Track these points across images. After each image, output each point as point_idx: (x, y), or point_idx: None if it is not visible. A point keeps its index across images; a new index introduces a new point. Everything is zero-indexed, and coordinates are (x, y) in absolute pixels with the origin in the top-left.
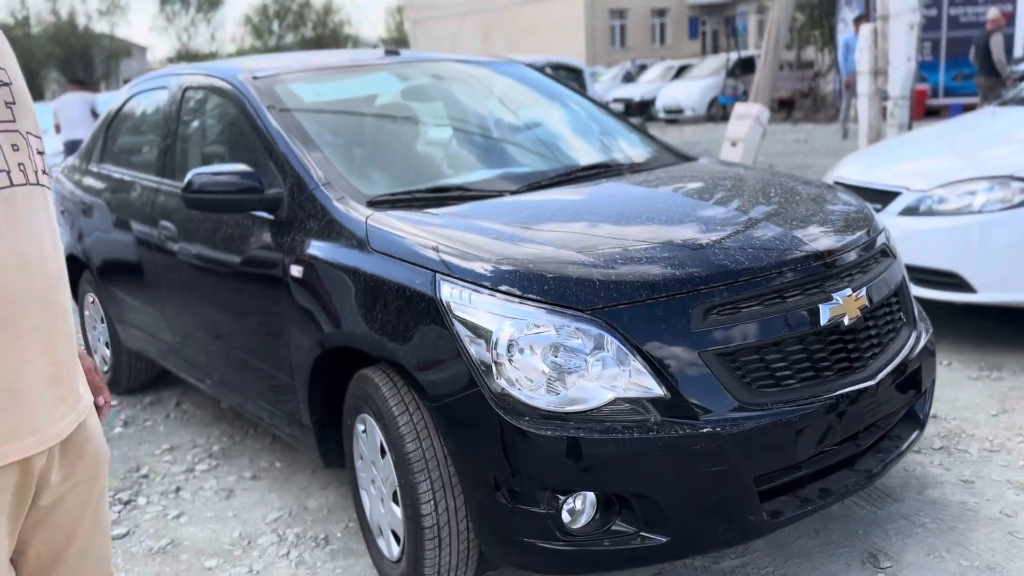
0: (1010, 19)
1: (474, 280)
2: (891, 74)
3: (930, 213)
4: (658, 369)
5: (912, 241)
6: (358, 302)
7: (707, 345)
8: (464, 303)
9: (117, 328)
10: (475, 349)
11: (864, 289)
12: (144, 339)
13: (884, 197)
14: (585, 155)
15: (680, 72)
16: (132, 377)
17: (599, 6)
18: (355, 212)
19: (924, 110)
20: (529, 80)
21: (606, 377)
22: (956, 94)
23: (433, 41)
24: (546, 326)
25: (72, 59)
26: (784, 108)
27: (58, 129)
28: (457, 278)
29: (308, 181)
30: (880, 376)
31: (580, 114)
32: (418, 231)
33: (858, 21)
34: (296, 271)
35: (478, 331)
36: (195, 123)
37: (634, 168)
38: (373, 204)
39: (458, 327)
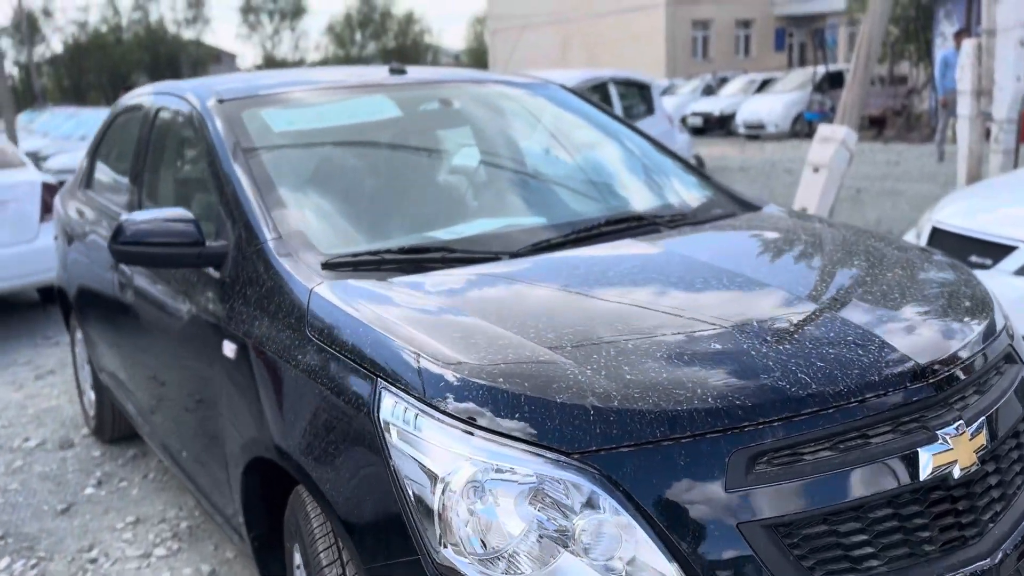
0: None
1: (424, 395)
2: (996, 95)
3: None
4: (675, 545)
5: None
6: (285, 403)
7: (750, 512)
8: (408, 427)
9: (97, 372)
10: (417, 496)
11: (983, 420)
12: (113, 386)
13: (994, 250)
14: (616, 203)
15: (763, 86)
16: (116, 426)
17: (681, 17)
18: (302, 277)
19: None
20: (561, 105)
21: (599, 553)
22: None
23: (511, 52)
24: (515, 473)
25: (159, 65)
26: (875, 126)
27: None
28: (404, 390)
29: (258, 233)
30: (1004, 551)
31: (621, 149)
32: (367, 310)
33: (959, 36)
34: (229, 350)
35: (424, 470)
36: (163, 151)
37: (676, 221)
38: (330, 267)
39: (397, 462)
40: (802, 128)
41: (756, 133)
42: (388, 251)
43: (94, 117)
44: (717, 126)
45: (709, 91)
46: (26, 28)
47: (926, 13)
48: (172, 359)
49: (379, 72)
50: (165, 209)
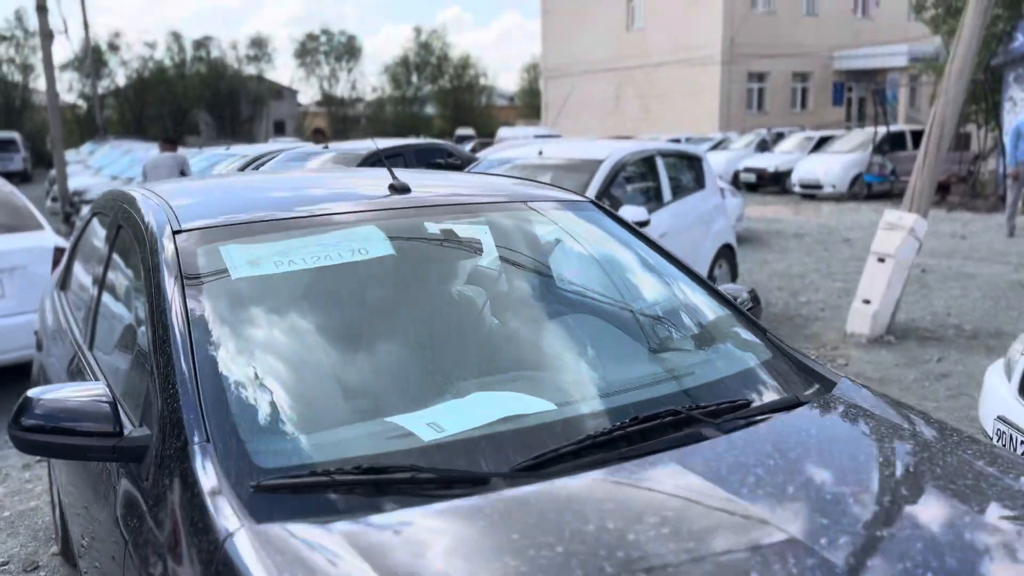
0: None
1: None
2: None
3: None
4: None
5: None
6: None
7: None
8: None
9: (54, 484)
10: None
11: None
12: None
13: None
14: (652, 377)
15: (821, 143)
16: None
17: (737, 68)
18: (219, 513)
19: None
20: (594, 234)
21: None
22: None
23: (564, 101)
24: None
25: (220, 100)
26: (938, 192)
27: None
28: None
29: (185, 428)
30: None
31: (662, 294)
32: None
33: None
34: None
35: None
36: (117, 285)
37: (724, 412)
38: (263, 490)
39: None
40: (861, 190)
41: (812, 193)
42: (341, 470)
43: (146, 156)
44: (771, 183)
45: (764, 146)
46: (92, 61)
47: (995, 75)
48: (93, 513)
49: (376, 184)
50: (81, 384)
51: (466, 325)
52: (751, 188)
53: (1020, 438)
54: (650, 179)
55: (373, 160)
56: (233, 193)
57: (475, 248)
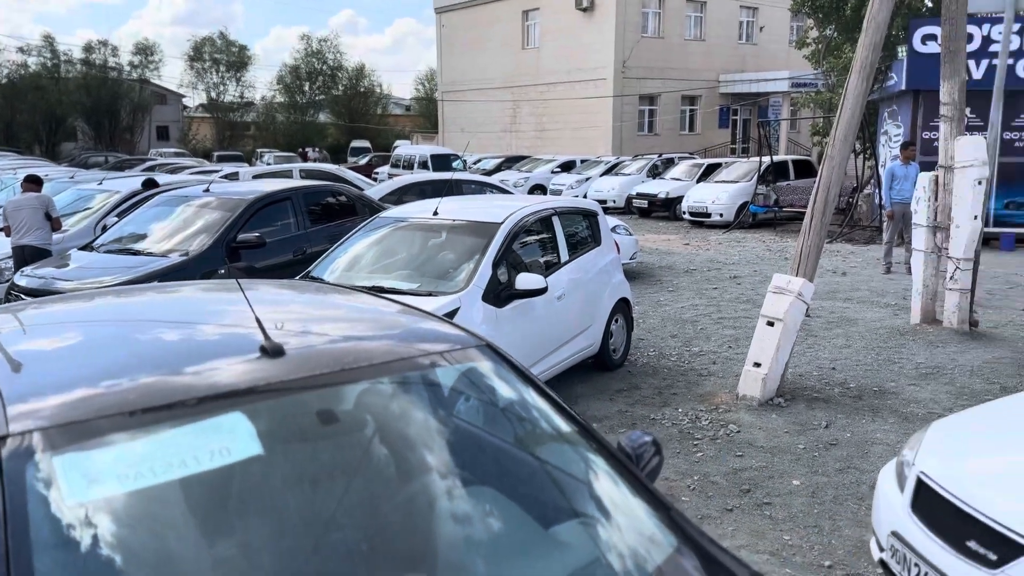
0: None
1: None
2: (954, 233)
3: None
4: None
5: None
6: None
7: None
8: None
9: None
10: None
11: None
12: None
13: (1000, 544)
14: None
15: (709, 172)
16: None
17: (629, 91)
18: None
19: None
20: (490, 388)
21: None
22: (1008, 223)
23: (462, 114)
24: None
25: (99, 106)
26: None
27: (7, 232)
28: None
29: None
30: None
31: (565, 471)
32: None
33: (906, 149)
34: None
35: None
36: None
37: None
38: None
39: None
40: (746, 218)
41: (701, 220)
42: None
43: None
44: (662, 208)
45: (655, 172)
46: None
47: (872, 109)
48: None
49: (244, 339)
50: None
51: (354, 532)
52: (643, 213)
53: (915, 560)
54: (548, 239)
55: (265, 202)
56: (70, 355)
57: (361, 429)
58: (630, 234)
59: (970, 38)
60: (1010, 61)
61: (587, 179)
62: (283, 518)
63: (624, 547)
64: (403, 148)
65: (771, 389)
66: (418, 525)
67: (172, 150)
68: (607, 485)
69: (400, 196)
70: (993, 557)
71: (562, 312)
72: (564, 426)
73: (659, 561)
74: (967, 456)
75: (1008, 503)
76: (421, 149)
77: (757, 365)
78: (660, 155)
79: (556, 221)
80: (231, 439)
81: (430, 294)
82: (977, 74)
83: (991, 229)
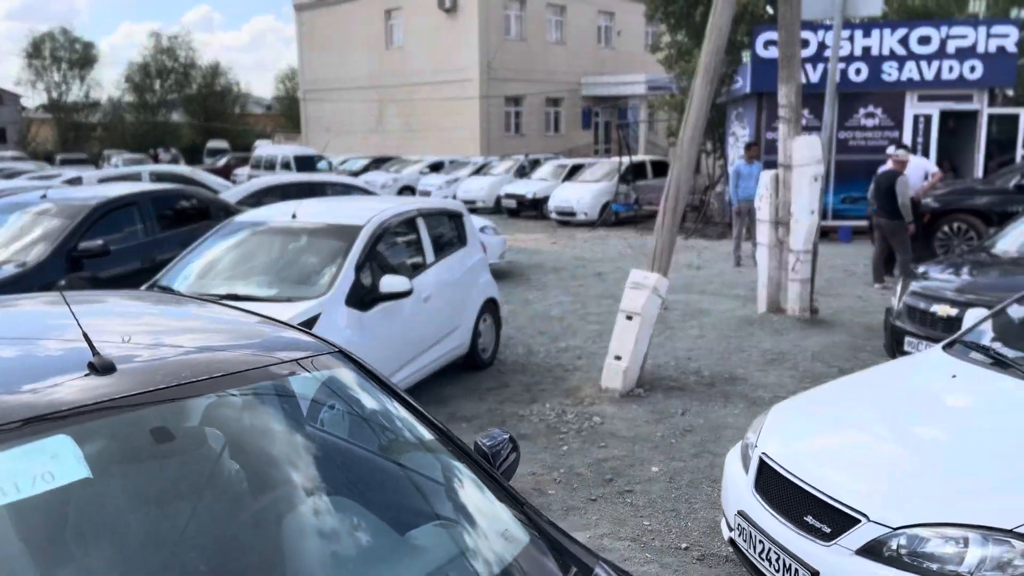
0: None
1: None
2: (793, 227)
3: (899, 563)
4: None
5: None
6: None
7: None
8: None
9: None
10: None
11: None
12: None
13: (832, 516)
14: None
15: (573, 172)
16: None
17: (494, 92)
18: None
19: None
20: (343, 394)
21: None
22: (845, 216)
23: (326, 114)
24: None
25: None
26: None
27: None
28: None
29: None
30: None
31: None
32: None
33: (749, 148)
34: None
35: None
36: None
37: None
38: None
39: None
40: (609, 217)
41: (567, 220)
42: None
43: None
44: (530, 208)
45: (522, 172)
46: None
47: (721, 110)
48: None
49: (71, 355)
50: None
51: (199, 552)
52: (512, 213)
53: (759, 536)
54: (412, 241)
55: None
56: None
57: (204, 445)
58: (498, 234)
59: (807, 44)
60: (843, 65)
61: (456, 180)
62: (122, 543)
63: (480, 545)
64: (264, 148)
65: (632, 380)
66: (268, 540)
67: (10, 153)
68: (463, 486)
69: (260, 199)
70: (827, 530)
71: (430, 314)
72: (420, 429)
73: (513, 555)
74: (804, 436)
75: (840, 478)
76: (284, 149)
77: (618, 358)
78: (527, 155)
79: (421, 222)
80: (55, 463)
81: (289, 300)
82: (814, 77)
83: (830, 222)
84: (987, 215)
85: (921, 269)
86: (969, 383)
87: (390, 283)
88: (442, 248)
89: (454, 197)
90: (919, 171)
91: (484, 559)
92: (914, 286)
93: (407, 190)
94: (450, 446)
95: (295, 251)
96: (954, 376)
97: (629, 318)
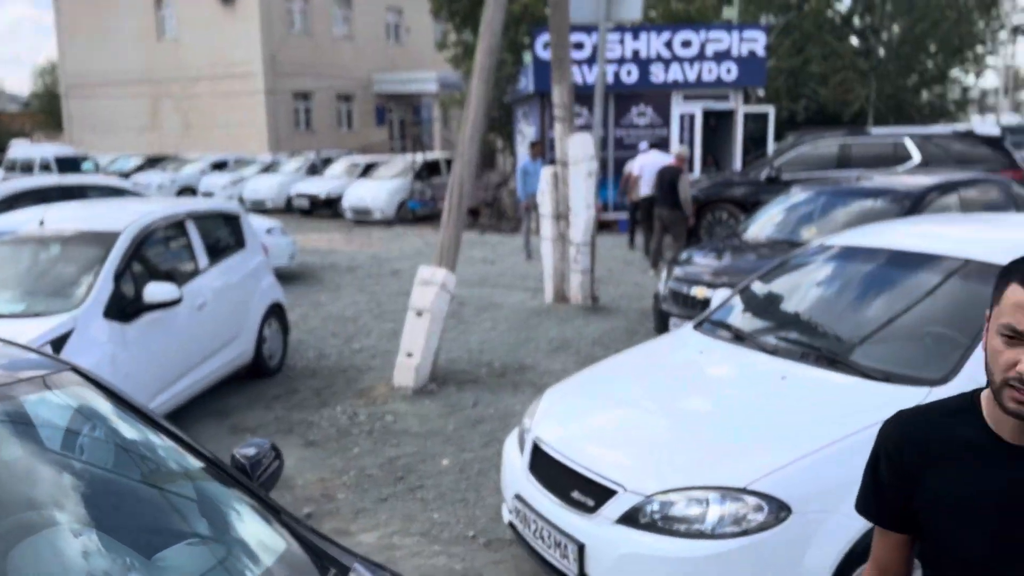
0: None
1: None
2: (572, 220)
3: (654, 527)
4: None
5: (639, 568)
6: None
7: None
8: None
9: None
10: None
11: None
12: None
13: (595, 490)
14: None
15: (367, 170)
16: None
17: (281, 88)
18: None
19: (597, 224)
20: (79, 417)
21: None
22: (624, 209)
23: (92, 111)
24: None
25: None
26: (471, 216)
27: None
28: None
29: None
30: None
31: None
32: None
33: (533, 147)
34: None
35: None
36: None
37: None
38: None
39: None
40: (406, 215)
41: (363, 219)
42: None
43: None
44: (324, 207)
45: (314, 170)
46: None
47: (507, 109)
48: None
49: None
50: None
51: None
52: (305, 213)
53: (533, 517)
54: (183, 245)
55: None
56: None
57: None
58: (286, 235)
59: (582, 46)
60: (616, 67)
61: (242, 179)
62: None
63: (234, 557)
64: (20, 149)
65: (424, 376)
66: None
67: None
68: (215, 501)
69: (11, 204)
70: (591, 503)
71: (205, 322)
72: (166, 447)
73: (269, 564)
74: (572, 417)
75: (601, 454)
76: (43, 150)
77: (409, 355)
78: (318, 153)
79: (191, 225)
80: None
81: (38, 316)
82: (590, 78)
83: (610, 215)
84: (743, 204)
85: (684, 255)
86: (714, 357)
87: (155, 292)
88: (217, 252)
89: (240, 198)
90: (658, 166)
91: (239, 571)
92: (677, 271)
93: (187, 191)
94: (200, 459)
95: (46, 262)
96: (701, 352)
97: (419, 315)
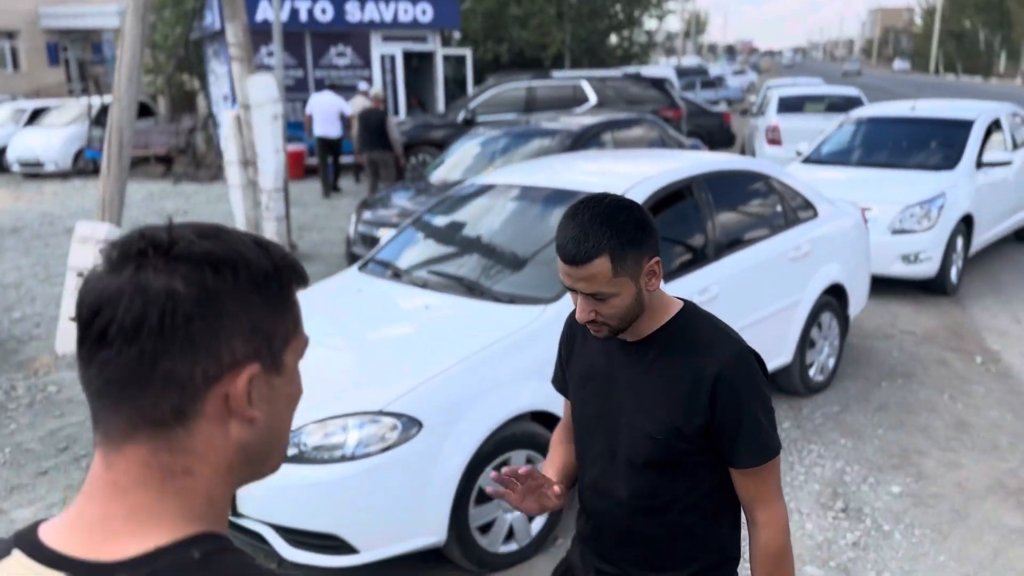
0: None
1: None
2: (261, 166)
3: (302, 459)
4: None
5: (287, 498)
6: None
7: None
8: None
9: None
10: None
11: None
12: None
13: None
14: None
15: (36, 116)
16: None
17: None
18: None
19: (303, 170)
20: None
21: None
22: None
23: None
24: None
25: None
26: (163, 164)
27: None
28: None
29: None
30: None
31: None
32: None
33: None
34: None
35: None
36: None
37: None
38: None
39: None
40: (86, 166)
41: (35, 172)
42: None
43: None
44: None
45: None
46: None
47: (197, 47)
48: None
49: None
50: None
51: None
52: None
53: None
54: None
55: None
56: None
57: None
58: None
59: None
60: (309, 4)
61: None
62: None
63: None
64: None
65: None
66: None
67: None
68: None
69: None
70: None
71: None
72: None
73: None
74: None
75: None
76: None
77: (73, 319)
78: None
79: None
80: None
81: None
82: (284, 16)
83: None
84: (442, 146)
85: (376, 197)
86: (370, 295)
87: None
88: None
89: None
90: (334, 110)
91: None
92: (366, 214)
93: None
94: None
95: None
96: (359, 291)
97: (80, 275)
